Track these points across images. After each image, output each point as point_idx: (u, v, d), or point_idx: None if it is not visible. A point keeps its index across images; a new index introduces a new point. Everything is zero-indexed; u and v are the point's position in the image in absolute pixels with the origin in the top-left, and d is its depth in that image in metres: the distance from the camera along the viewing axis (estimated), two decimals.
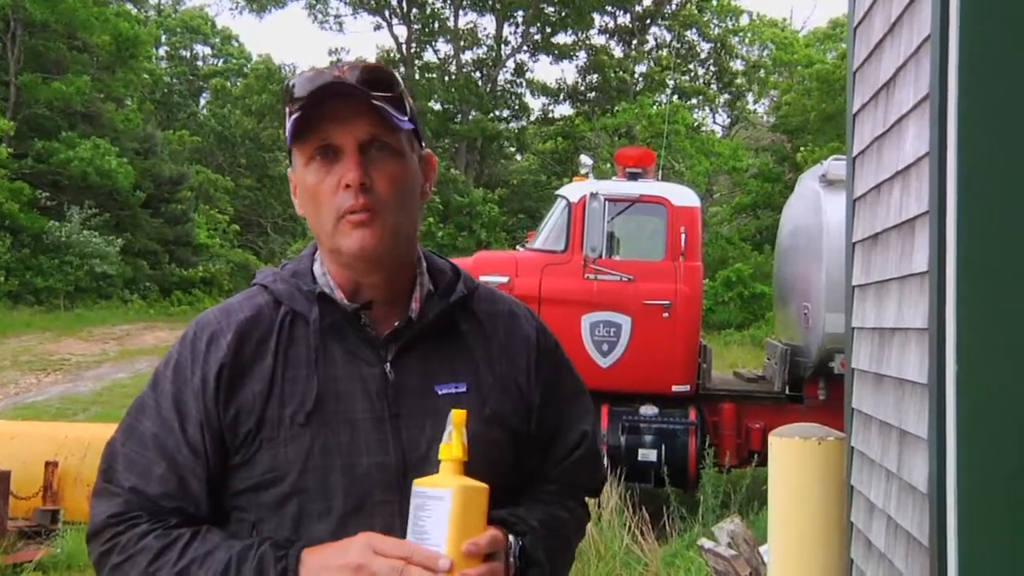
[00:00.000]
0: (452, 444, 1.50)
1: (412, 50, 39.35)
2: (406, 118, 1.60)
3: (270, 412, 1.57)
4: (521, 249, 10.48)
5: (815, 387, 9.33)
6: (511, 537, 1.58)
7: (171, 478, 1.56)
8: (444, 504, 1.45)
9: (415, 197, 1.67)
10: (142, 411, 1.62)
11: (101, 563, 1.57)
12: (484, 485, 1.50)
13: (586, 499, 1.90)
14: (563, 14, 38.91)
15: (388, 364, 1.62)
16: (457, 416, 1.52)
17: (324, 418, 1.57)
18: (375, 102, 1.55)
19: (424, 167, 1.70)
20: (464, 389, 1.65)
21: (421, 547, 1.44)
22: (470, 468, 1.51)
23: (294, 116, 1.56)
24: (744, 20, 41.08)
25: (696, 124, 36.10)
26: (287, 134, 1.60)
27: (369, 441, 1.58)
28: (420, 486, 1.49)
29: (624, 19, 40.83)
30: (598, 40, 41.19)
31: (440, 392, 1.63)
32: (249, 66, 44.64)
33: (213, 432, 1.57)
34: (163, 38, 44.80)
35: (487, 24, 40.58)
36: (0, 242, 27.94)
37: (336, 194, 1.57)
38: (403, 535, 1.48)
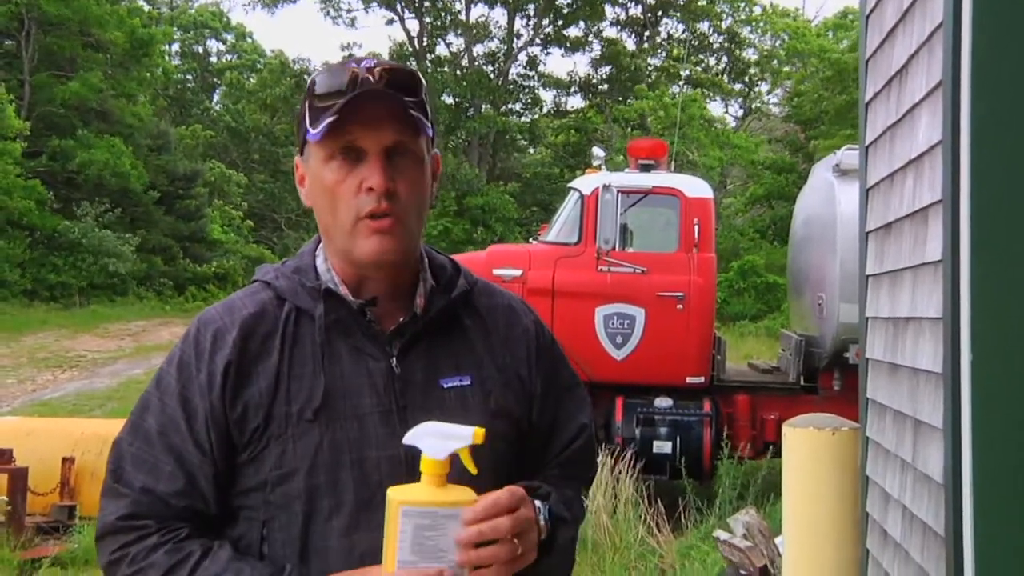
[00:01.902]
0: (445, 461, 1.46)
1: (424, 44, 39.36)
2: (429, 122, 1.61)
3: (277, 408, 1.57)
4: (534, 242, 10.48)
5: (830, 377, 9.31)
6: (536, 502, 1.58)
7: (179, 475, 1.56)
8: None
9: (428, 200, 1.68)
10: (147, 409, 1.62)
11: (110, 572, 1.58)
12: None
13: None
14: (575, 6, 38.82)
15: (394, 359, 1.62)
16: (477, 435, 1.47)
17: (332, 414, 1.57)
18: (410, 111, 1.56)
19: (433, 168, 1.71)
20: (468, 382, 1.66)
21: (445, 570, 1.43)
22: (477, 460, 1.49)
23: (326, 119, 1.54)
24: (757, 10, 40.91)
25: (711, 118, 35.94)
26: (308, 129, 1.58)
27: (378, 435, 1.58)
28: (421, 505, 1.43)
29: (636, 11, 40.75)
30: (610, 32, 41.17)
31: (445, 386, 1.64)
32: (263, 61, 44.69)
33: (220, 429, 1.57)
34: (176, 34, 44.86)
35: (499, 17, 40.48)
36: (17, 241, 28.08)
37: (357, 196, 1.57)
38: None
